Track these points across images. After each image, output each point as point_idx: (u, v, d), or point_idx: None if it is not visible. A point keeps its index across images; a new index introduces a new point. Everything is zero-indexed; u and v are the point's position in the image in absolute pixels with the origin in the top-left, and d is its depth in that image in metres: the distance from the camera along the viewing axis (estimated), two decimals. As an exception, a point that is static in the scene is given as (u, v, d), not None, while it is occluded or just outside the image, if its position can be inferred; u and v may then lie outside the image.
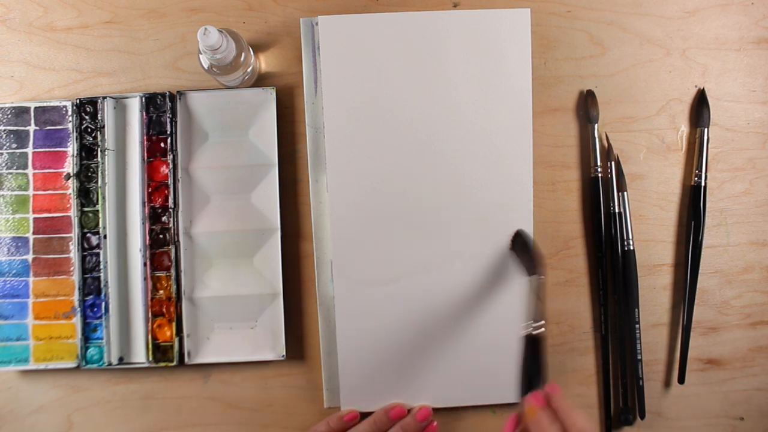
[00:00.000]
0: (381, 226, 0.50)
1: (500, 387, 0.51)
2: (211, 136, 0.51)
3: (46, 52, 0.52)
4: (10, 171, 0.51)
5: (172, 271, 0.50)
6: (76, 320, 0.50)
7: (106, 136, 0.50)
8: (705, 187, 0.52)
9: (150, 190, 0.51)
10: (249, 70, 0.49)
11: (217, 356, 0.51)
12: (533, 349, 0.42)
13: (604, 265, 0.52)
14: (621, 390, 0.52)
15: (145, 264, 0.50)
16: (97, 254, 0.50)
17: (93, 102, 0.50)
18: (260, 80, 0.53)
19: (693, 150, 0.53)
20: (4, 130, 0.51)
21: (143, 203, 0.50)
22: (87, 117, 0.50)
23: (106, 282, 0.50)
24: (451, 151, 0.50)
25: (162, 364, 0.50)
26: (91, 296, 0.50)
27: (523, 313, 0.43)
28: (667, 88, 0.53)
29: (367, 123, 0.50)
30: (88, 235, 0.50)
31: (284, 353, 0.50)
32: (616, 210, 0.52)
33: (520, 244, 0.49)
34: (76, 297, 0.50)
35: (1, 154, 0.51)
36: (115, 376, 0.52)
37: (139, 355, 0.50)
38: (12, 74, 0.52)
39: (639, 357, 0.51)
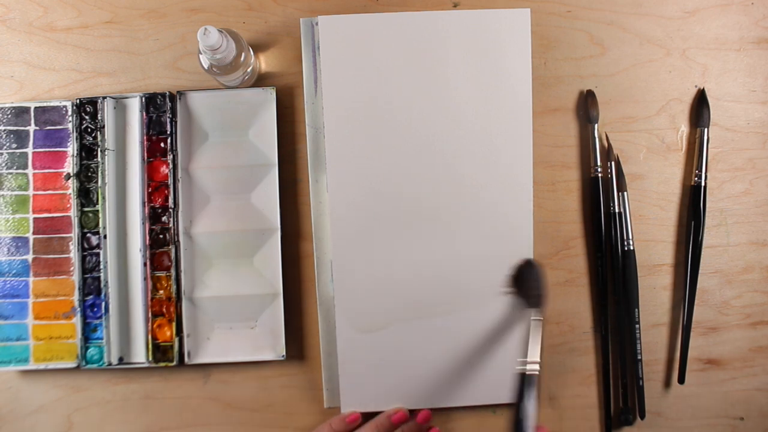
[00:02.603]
0: (381, 226, 0.50)
1: (500, 387, 0.51)
2: (211, 136, 0.51)
3: (46, 52, 0.52)
4: (10, 171, 0.51)
5: (172, 271, 0.50)
6: (76, 320, 0.50)
7: (106, 136, 0.50)
8: (705, 187, 0.52)
9: (150, 190, 0.51)
10: (249, 70, 0.49)
11: (217, 356, 0.51)
12: (524, 388, 0.42)
13: (604, 265, 0.52)
14: (621, 390, 0.52)
15: (145, 264, 0.50)
16: (97, 254, 0.50)
17: (93, 102, 0.50)
18: (260, 80, 0.53)
19: (693, 150, 0.53)
20: (4, 130, 0.51)
21: (143, 203, 0.50)
22: (87, 117, 0.50)
23: (106, 282, 0.50)
24: (451, 151, 0.50)
25: (162, 364, 0.50)
26: (91, 296, 0.50)
27: (521, 347, 0.43)
28: (667, 88, 0.53)
29: (367, 123, 0.50)
30: (88, 235, 0.50)
31: (284, 353, 0.50)
32: (616, 210, 0.52)
33: (526, 275, 0.46)
34: (76, 297, 0.50)
35: (1, 154, 0.51)
36: (115, 376, 0.52)
37: (139, 355, 0.50)
38: (12, 74, 0.52)
39: (639, 357, 0.51)
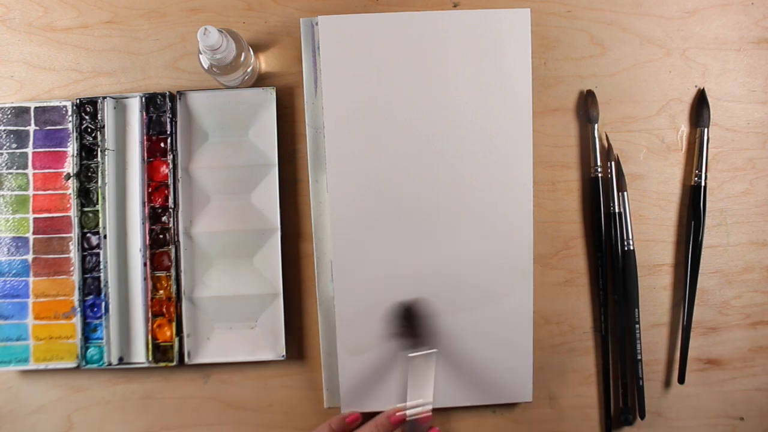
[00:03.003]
0: (381, 226, 0.50)
1: (500, 387, 0.51)
2: (211, 136, 0.51)
3: (46, 52, 0.52)
4: (10, 171, 0.51)
5: (172, 271, 0.50)
6: (76, 320, 0.50)
7: (106, 136, 0.50)
8: (705, 187, 0.52)
9: (150, 190, 0.51)
10: (249, 70, 0.49)
11: (217, 356, 0.51)
12: None
13: (604, 265, 0.52)
14: (621, 390, 0.52)
15: (145, 264, 0.50)
16: (97, 254, 0.50)
17: (93, 102, 0.50)
18: (260, 80, 0.53)
19: (693, 150, 0.53)
20: (4, 130, 0.51)
21: (143, 203, 0.50)
22: (87, 117, 0.50)
23: (106, 282, 0.50)
24: (451, 151, 0.50)
25: (162, 364, 0.50)
26: (91, 296, 0.50)
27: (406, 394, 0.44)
28: (667, 88, 0.53)
29: (367, 123, 0.50)
30: (88, 235, 0.50)
31: (284, 353, 0.50)
32: (616, 210, 0.52)
33: (406, 315, 0.47)
34: (76, 297, 0.50)
35: (1, 154, 0.51)
36: (115, 376, 0.52)
37: (139, 355, 0.50)
38: (12, 74, 0.52)
39: (639, 357, 0.51)
